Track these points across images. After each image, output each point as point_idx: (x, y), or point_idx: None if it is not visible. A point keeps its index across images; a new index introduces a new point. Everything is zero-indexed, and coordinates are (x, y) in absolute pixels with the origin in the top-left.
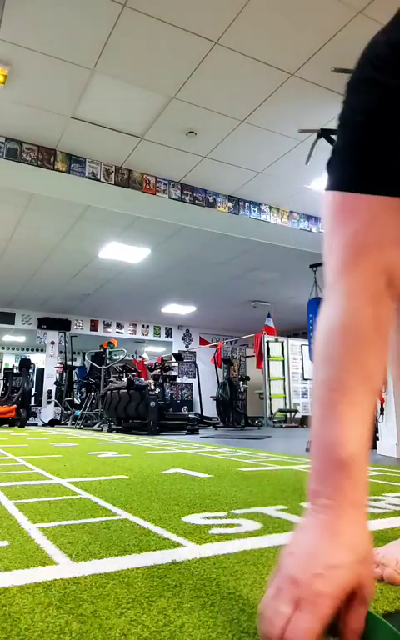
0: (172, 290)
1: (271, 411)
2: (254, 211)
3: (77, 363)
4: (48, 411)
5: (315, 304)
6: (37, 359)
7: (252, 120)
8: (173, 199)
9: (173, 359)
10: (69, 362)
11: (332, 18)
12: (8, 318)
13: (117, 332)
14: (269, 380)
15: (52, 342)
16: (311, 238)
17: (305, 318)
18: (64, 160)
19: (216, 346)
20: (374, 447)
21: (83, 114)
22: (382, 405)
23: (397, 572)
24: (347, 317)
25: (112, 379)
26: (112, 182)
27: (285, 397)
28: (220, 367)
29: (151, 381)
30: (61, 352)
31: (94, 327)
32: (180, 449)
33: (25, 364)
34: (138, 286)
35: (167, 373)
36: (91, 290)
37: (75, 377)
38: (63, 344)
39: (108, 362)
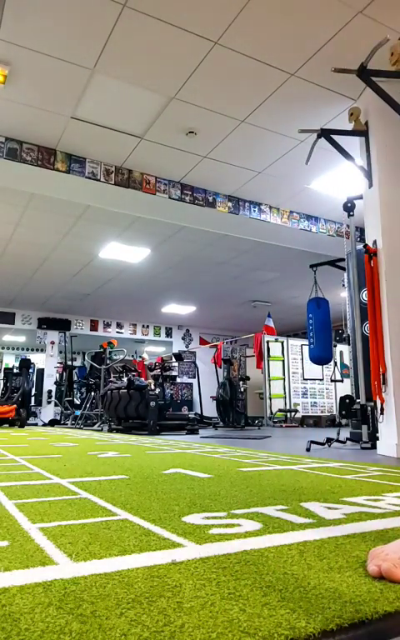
0: (172, 290)
1: (271, 411)
2: (254, 211)
3: (77, 363)
4: (48, 411)
5: (315, 304)
6: (37, 359)
7: (252, 120)
8: (173, 199)
9: (173, 359)
10: (69, 362)
11: (332, 18)
12: (8, 318)
13: (117, 332)
14: (269, 380)
15: (52, 342)
16: (311, 238)
17: (305, 318)
18: (64, 160)
19: (216, 346)
20: (374, 447)
21: (83, 114)
22: (382, 405)
23: (394, 566)
24: None
25: (112, 379)
26: (112, 182)
27: (285, 397)
28: (220, 367)
29: (151, 381)
30: (61, 352)
31: (94, 327)
32: (180, 449)
33: (25, 364)
34: (138, 286)
35: (167, 373)
36: (91, 290)
37: (75, 377)
38: (63, 344)
39: (108, 362)
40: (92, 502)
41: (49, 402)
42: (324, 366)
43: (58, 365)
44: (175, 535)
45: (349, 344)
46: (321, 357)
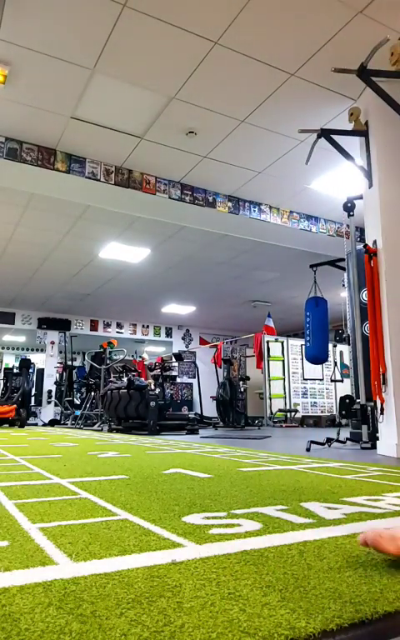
0: (172, 290)
1: (271, 411)
2: (254, 211)
3: (77, 363)
4: (48, 411)
5: (313, 303)
6: (37, 359)
7: (252, 120)
8: (173, 199)
9: (173, 359)
10: (69, 362)
11: (332, 18)
12: (8, 318)
13: (117, 332)
14: (269, 380)
15: (52, 342)
16: (311, 238)
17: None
18: (64, 160)
19: (216, 346)
20: (374, 447)
21: (83, 114)
22: (382, 405)
23: (380, 536)
24: None
25: (112, 379)
26: (112, 182)
27: (285, 397)
28: (220, 367)
29: (151, 381)
30: (61, 352)
31: (94, 327)
32: (180, 449)
33: (25, 364)
34: (138, 286)
35: (167, 373)
36: (91, 290)
37: (75, 377)
38: (63, 344)
39: (108, 362)
40: (92, 502)
41: (49, 402)
42: (324, 366)
43: (58, 365)
44: (175, 535)
45: (349, 344)
46: (316, 356)
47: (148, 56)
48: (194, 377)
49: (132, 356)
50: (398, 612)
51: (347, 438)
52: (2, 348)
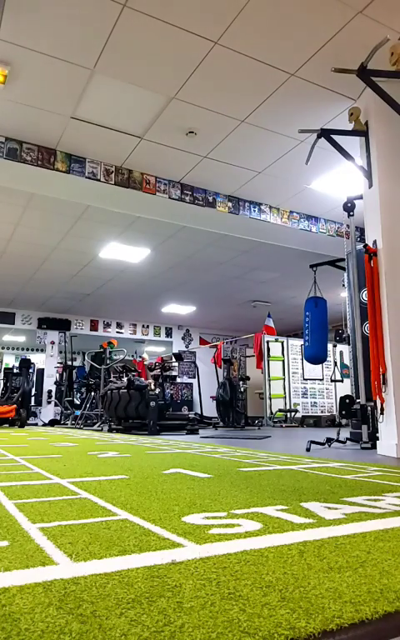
0: (172, 290)
1: (271, 411)
2: (254, 211)
3: (77, 363)
4: (48, 411)
5: (312, 303)
6: (37, 359)
7: (252, 120)
8: (173, 199)
9: (173, 359)
10: (69, 362)
11: (332, 18)
12: (8, 318)
13: (117, 332)
14: (269, 380)
15: (52, 342)
16: (311, 238)
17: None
18: (64, 160)
19: (216, 346)
20: (374, 447)
21: (83, 114)
22: (382, 405)
23: None
24: None
25: (112, 379)
26: (112, 182)
27: (285, 397)
28: (220, 367)
29: (151, 381)
30: (61, 352)
31: (94, 327)
32: (180, 449)
33: (25, 364)
34: (138, 286)
35: (167, 373)
36: (91, 290)
37: (75, 377)
38: (63, 344)
39: (108, 362)
40: (92, 502)
41: (49, 402)
42: (324, 366)
43: (58, 365)
44: (175, 535)
45: (349, 344)
46: (315, 356)
47: (148, 56)
48: (194, 377)
49: (132, 356)
50: (398, 612)
51: (347, 438)
52: (2, 348)
